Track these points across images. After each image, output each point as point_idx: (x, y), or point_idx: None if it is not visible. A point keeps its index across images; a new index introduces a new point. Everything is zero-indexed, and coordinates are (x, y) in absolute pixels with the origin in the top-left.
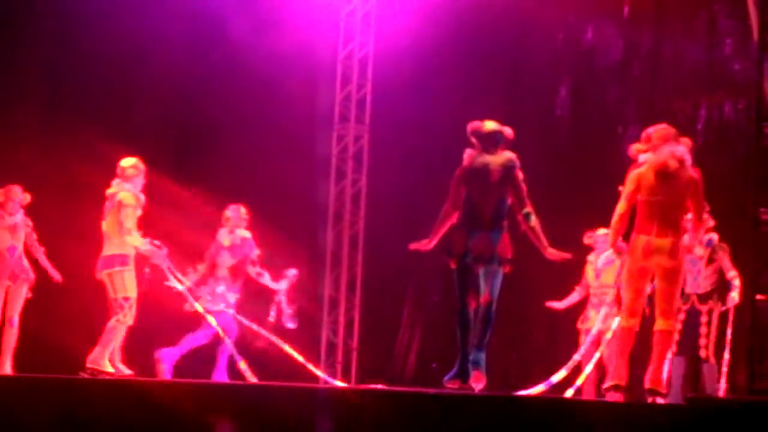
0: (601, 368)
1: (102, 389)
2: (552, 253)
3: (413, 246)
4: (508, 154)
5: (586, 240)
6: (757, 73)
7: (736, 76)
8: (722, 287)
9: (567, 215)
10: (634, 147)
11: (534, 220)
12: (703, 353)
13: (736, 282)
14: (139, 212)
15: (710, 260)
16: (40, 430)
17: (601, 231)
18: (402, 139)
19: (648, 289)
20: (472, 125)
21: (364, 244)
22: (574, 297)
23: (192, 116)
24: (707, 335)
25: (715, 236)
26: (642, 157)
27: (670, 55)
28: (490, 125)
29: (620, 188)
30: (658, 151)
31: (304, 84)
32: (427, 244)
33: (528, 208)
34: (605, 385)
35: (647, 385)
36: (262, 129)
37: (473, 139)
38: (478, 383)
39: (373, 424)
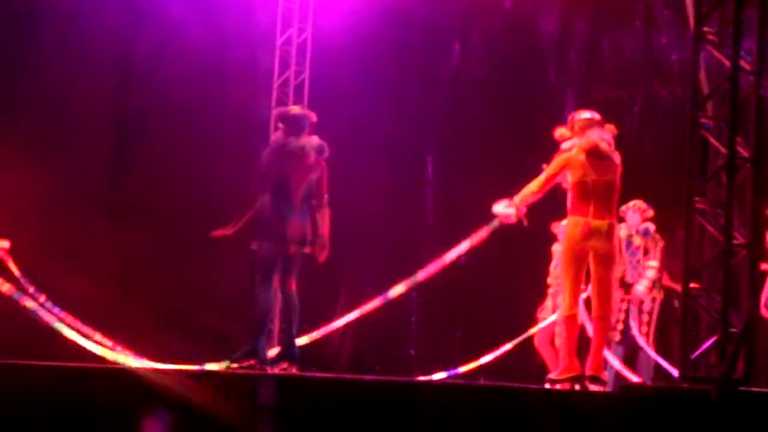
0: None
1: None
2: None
3: (216, 233)
4: (317, 139)
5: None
6: (692, 63)
7: (673, 66)
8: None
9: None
10: (559, 131)
11: (325, 211)
12: (641, 341)
13: (649, 274)
14: None
15: (646, 251)
16: None
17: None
18: (340, 125)
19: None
20: (278, 111)
21: None
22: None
23: (124, 102)
24: (648, 323)
25: (651, 226)
26: (567, 143)
27: (607, 44)
28: (296, 109)
29: (544, 166)
30: (585, 134)
31: (242, 69)
32: (231, 230)
33: (325, 196)
34: (553, 376)
35: (589, 372)
36: (198, 115)
37: (280, 123)
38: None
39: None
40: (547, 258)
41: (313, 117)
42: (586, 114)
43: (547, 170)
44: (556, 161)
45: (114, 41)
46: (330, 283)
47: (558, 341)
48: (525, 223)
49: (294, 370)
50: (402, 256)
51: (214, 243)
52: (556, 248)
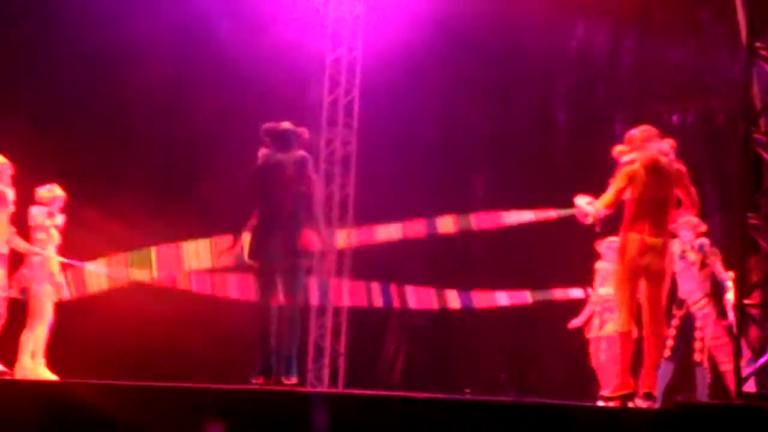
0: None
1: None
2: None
3: (220, 252)
4: (301, 153)
5: (598, 248)
6: (745, 78)
7: (725, 81)
8: (716, 293)
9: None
10: (617, 149)
11: (317, 223)
12: (697, 357)
13: (730, 284)
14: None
15: (703, 265)
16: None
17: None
18: (390, 143)
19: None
20: (265, 126)
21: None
22: (588, 310)
23: (178, 121)
24: (702, 339)
25: (706, 241)
26: (626, 157)
27: (657, 59)
28: (284, 125)
29: (610, 181)
30: (644, 149)
31: (293, 87)
32: (231, 248)
33: (316, 208)
34: (606, 393)
35: (642, 389)
36: (249, 133)
37: (267, 139)
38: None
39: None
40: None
41: (304, 133)
42: (643, 128)
43: (614, 185)
44: (620, 175)
45: (167, 62)
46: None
47: (602, 357)
48: (598, 228)
49: (294, 382)
50: (450, 271)
51: None
52: (600, 266)
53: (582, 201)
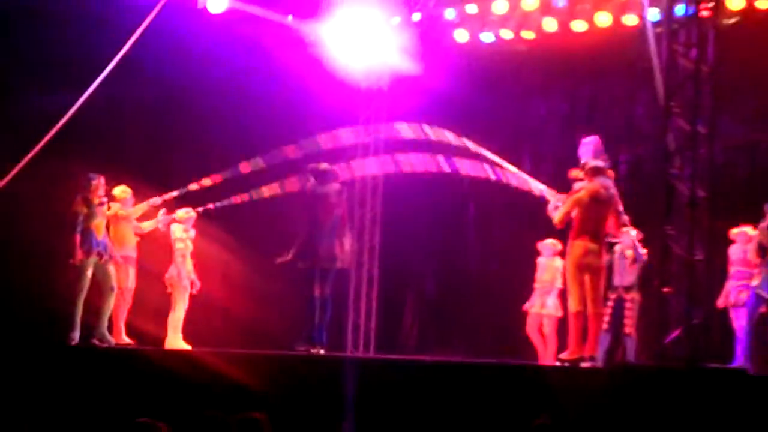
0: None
1: None
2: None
3: (279, 260)
4: (338, 185)
5: (539, 247)
6: (663, 129)
7: (647, 132)
8: (642, 281)
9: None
10: (573, 172)
11: (347, 235)
12: (627, 329)
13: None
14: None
15: (634, 260)
16: None
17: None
18: None
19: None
20: (310, 166)
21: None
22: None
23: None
24: (630, 317)
25: (639, 246)
26: (578, 184)
27: (601, 114)
28: (324, 166)
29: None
30: (592, 181)
31: None
32: (289, 257)
33: (346, 225)
34: (563, 356)
35: (587, 353)
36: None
37: (311, 176)
38: (320, 350)
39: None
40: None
41: (338, 171)
42: (596, 163)
43: (564, 207)
44: (570, 200)
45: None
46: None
47: (546, 330)
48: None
49: (322, 351)
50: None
51: None
52: (541, 261)
53: (553, 201)
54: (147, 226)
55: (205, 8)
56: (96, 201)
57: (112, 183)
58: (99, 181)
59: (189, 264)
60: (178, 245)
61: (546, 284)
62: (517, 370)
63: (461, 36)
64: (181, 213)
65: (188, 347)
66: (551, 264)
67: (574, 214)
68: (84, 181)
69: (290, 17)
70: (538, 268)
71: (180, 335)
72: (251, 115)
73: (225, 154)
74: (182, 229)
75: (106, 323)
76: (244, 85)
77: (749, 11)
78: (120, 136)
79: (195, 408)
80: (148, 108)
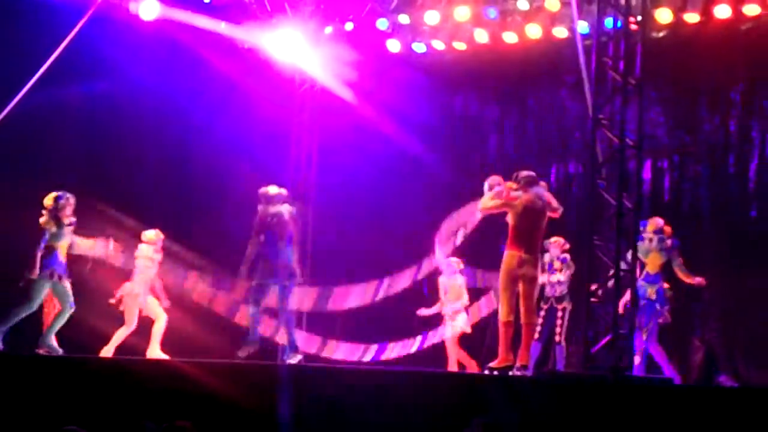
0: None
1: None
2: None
3: (239, 275)
4: (288, 206)
5: (439, 263)
6: (592, 140)
7: (577, 143)
8: (572, 293)
9: None
10: (508, 184)
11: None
12: (557, 338)
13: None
14: None
15: (562, 270)
16: None
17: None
18: None
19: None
20: (261, 190)
21: None
22: (435, 308)
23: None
24: (561, 326)
25: (568, 256)
26: (514, 193)
27: (533, 124)
28: (273, 189)
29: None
30: (526, 191)
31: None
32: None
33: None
34: (493, 365)
35: (519, 362)
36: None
37: (263, 199)
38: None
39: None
40: None
41: (285, 192)
42: (527, 173)
43: (493, 203)
44: (502, 201)
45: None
46: None
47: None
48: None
49: (300, 357)
50: None
51: None
52: (443, 280)
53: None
54: (85, 245)
55: (137, 14)
56: (66, 221)
57: (42, 192)
58: (68, 201)
59: (157, 281)
60: (146, 263)
61: (454, 305)
62: (447, 377)
63: (393, 46)
64: (150, 234)
65: (165, 357)
66: (454, 283)
67: (509, 221)
68: (53, 200)
69: (223, 24)
70: (440, 288)
71: (158, 345)
72: (185, 123)
73: (161, 158)
74: (153, 249)
75: (53, 335)
76: (179, 91)
77: (677, 25)
78: (51, 144)
79: (127, 417)
80: (79, 116)
